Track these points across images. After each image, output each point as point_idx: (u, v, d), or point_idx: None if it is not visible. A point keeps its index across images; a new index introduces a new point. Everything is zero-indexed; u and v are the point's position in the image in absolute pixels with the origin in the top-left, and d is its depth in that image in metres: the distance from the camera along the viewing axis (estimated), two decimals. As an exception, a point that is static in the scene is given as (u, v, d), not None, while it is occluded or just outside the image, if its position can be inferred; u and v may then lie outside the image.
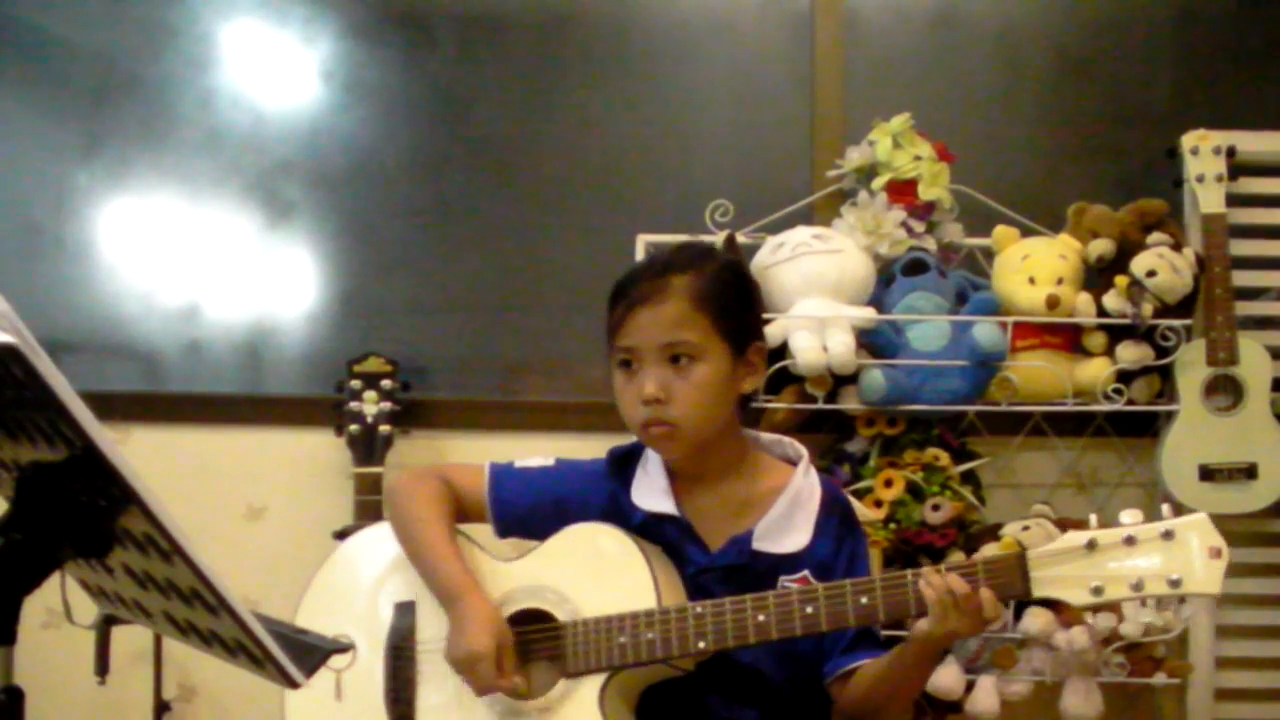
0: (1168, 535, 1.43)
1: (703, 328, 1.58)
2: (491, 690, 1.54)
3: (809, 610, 1.51)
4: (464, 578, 1.60)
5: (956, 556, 2.34)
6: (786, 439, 1.75)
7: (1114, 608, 2.25)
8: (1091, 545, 1.45)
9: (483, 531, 1.73)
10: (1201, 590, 1.43)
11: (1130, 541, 1.44)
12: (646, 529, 1.65)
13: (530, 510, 1.70)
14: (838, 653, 1.62)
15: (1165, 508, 1.47)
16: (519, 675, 1.56)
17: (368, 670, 1.65)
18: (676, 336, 1.58)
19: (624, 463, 1.72)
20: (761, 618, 1.52)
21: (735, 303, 1.63)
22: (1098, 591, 1.43)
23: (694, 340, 1.58)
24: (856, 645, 1.61)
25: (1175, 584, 1.42)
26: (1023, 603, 2.28)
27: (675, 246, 1.75)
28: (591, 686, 1.56)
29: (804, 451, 1.71)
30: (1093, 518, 1.49)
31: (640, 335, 1.58)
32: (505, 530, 1.72)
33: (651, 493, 1.66)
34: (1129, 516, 1.47)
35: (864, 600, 1.50)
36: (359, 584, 1.72)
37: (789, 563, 1.63)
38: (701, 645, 1.53)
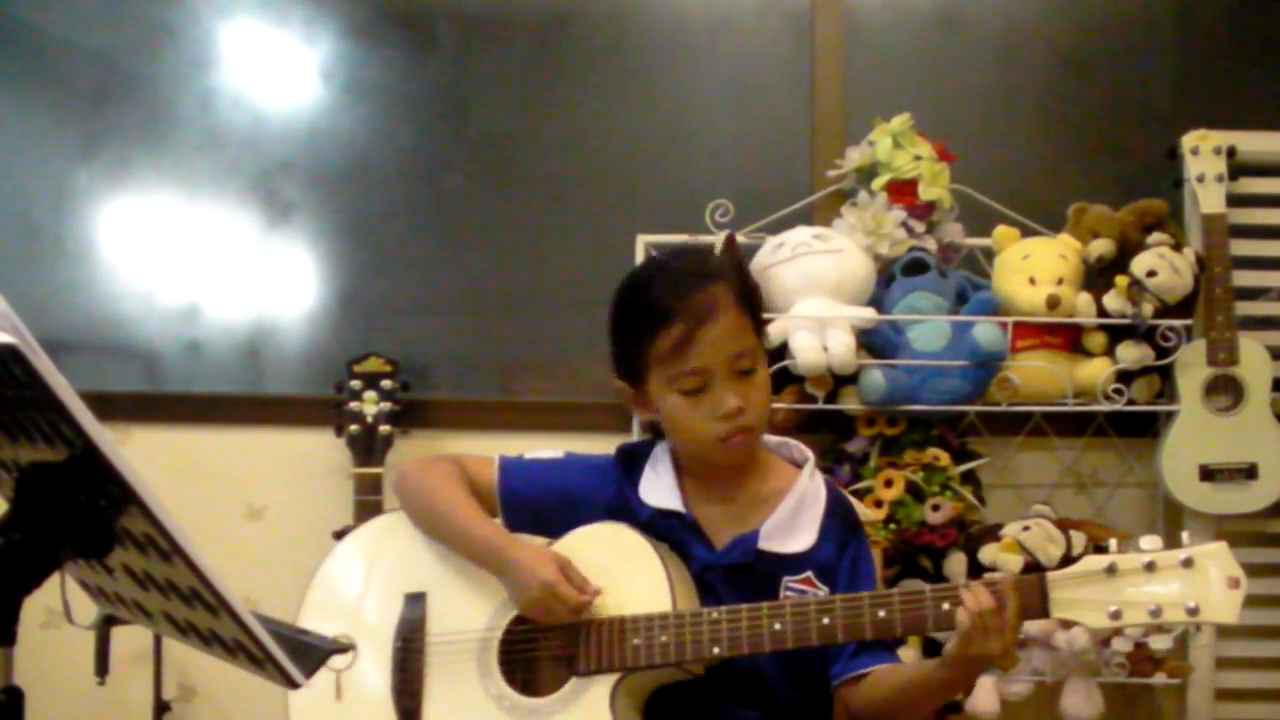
0: (1187, 563, 1.42)
1: (751, 330, 1.61)
2: (583, 606, 1.54)
3: (825, 621, 1.51)
4: (497, 533, 1.62)
5: (957, 557, 2.34)
6: (793, 441, 1.75)
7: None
8: (1111, 570, 1.44)
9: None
10: (1219, 619, 1.41)
11: (1150, 568, 1.43)
12: (653, 525, 1.65)
13: (538, 502, 1.70)
14: (846, 656, 1.61)
15: (1185, 535, 1.46)
16: (590, 583, 1.56)
17: (375, 663, 1.65)
18: (741, 346, 1.58)
19: (632, 459, 1.72)
20: (778, 626, 1.52)
21: (758, 299, 1.66)
22: (1116, 616, 1.43)
23: (751, 345, 1.60)
24: (866, 648, 1.60)
25: (1193, 612, 1.41)
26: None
27: (683, 253, 1.74)
28: (603, 687, 1.55)
29: (810, 454, 1.72)
30: (1112, 542, 1.48)
31: (710, 354, 1.56)
32: (513, 523, 1.72)
33: (659, 490, 1.67)
34: (1148, 542, 1.46)
35: (881, 614, 1.50)
36: (366, 577, 1.71)
37: (793, 563, 1.63)
38: (716, 651, 1.53)
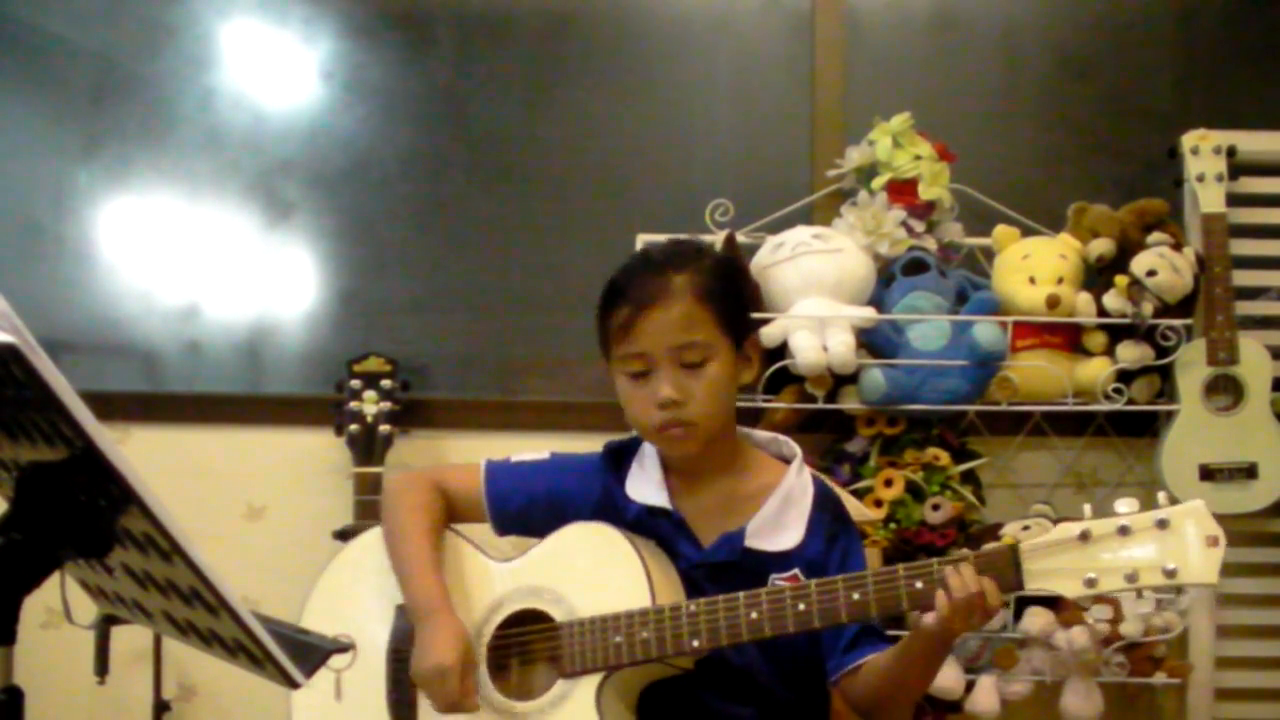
0: (1162, 524, 1.38)
1: (709, 325, 1.59)
2: (454, 708, 1.53)
3: (801, 607, 1.51)
4: (435, 596, 1.60)
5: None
6: (781, 437, 1.75)
7: (1114, 607, 2.25)
8: (1085, 536, 1.41)
9: (483, 530, 1.73)
10: (1198, 580, 1.38)
11: (1124, 531, 1.39)
12: (640, 523, 1.65)
13: (526, 506, 1.70)
14: (840, 650, 1.61)
15: (1161, 496, 1.43)
16: (475, 696, 1.55)
17: (371, 673, 1.65)
18: (688, 337, 1.57)
19: (619, 457, 1.72)
20: (754, 615, 1.52)
21: (734, 298, 1.64)
22: (1091, 583, 1.40)
23: (704, 339, 1.58)
24: (859, 641, 1.61)
25: (1171, 574, 1.37)
26: (1023, 601, 2.28)
27: (667, 244, 1.73)
28: (588, 687, 1.56)
29: (797, 450, 1.71)
30: (1086, 508, 1.45)
31: (651, 339, 1.57)
32: (503, 527, 1.72)
33: (646, 487, 1.67)
34: (1124, 505, 1.43)
35: (855, 596, 1.49)
36: (363, 586, 1.72)
37: (780, 561, 1.63)
38: (695, 644, 1.53)
